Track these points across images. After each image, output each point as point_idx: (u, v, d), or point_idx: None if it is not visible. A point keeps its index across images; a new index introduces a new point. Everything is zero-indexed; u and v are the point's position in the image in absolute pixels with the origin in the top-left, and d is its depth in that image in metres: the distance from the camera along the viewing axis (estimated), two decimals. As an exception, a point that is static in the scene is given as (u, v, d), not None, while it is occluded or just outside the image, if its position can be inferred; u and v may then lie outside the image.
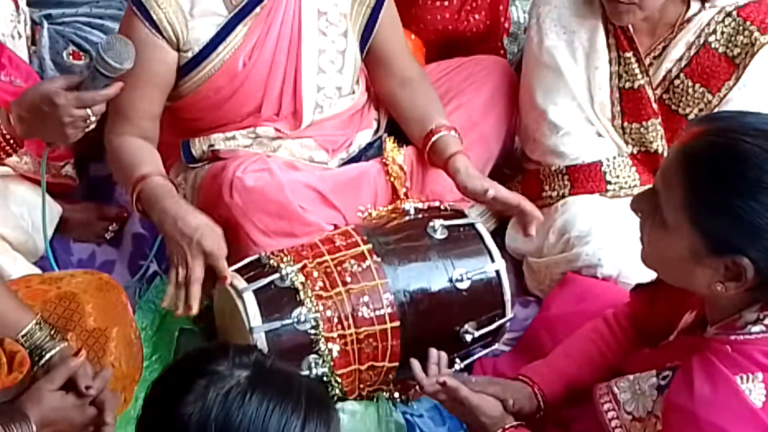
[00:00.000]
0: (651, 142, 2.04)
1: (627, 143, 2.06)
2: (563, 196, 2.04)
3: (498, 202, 1.92)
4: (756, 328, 1.23)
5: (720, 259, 1.19)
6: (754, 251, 1.16)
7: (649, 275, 1.48)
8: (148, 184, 1.85)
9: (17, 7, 2.19)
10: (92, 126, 1.67)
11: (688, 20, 1.97)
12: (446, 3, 2.45)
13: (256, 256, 1.79)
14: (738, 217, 1.16)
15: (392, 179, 2.01)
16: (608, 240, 1.92)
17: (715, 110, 1.96)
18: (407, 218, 1.88)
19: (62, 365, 1.45)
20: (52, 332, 1.49)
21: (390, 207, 1.96)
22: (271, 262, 1.75)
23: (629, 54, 2.00)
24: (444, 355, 1.64)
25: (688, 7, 1.96)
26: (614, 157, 2.05)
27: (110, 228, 2.18)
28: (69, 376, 1.44)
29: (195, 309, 1.75)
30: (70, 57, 2.29)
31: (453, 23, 2.47)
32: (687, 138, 1.23)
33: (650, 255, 1.34)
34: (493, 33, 2.50)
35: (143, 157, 1.91)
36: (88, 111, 1.63)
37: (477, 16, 2.48)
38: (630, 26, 1.97)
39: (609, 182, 2.03)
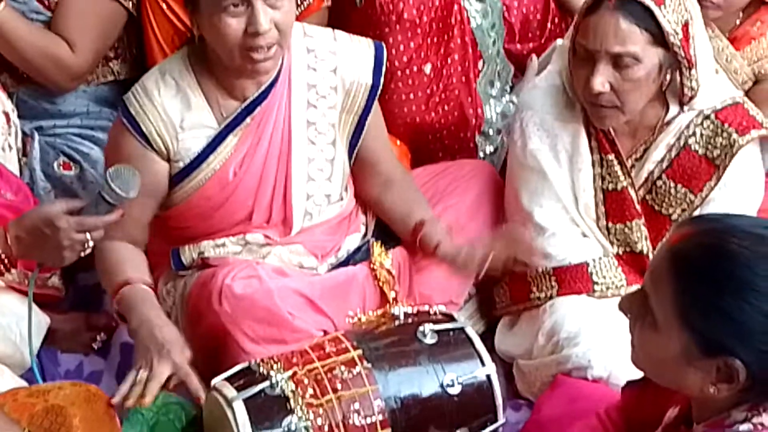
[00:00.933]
0: (635, 243, 2.05)
1: (612, 244, 2.07)
2: (551, 297, 2.04)
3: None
4: (744, 427, 1.21)
5: (712, 360, 1.19)
6: (746, 353, 1.16)
7: (638, 375, 1.47)
8: (131, 289, 1.88)
9: (8, 119, 2.25)
10: (89, 251, 1.70)
11: (668, 123, 2.01)
12: (412, 96, 2.49)
13: (245, 364, 1.77)
14: (729, 319, 1.16)
15: (381, 283, 2.03)
16: (597, 341, 1.91)
17: (698, 210, 1.99)
18: (397, 323, 1.87)
19: None
20: (39, 447, 1.48)
21: (379, 312, 1.95)
22: (261, 369, 1.73)
23: (611, 156, 2.03)
24: None
25: (667, 110, 2.00)
26: (600, 258, 2.06)
27: (98, 338, 2.17)
28: None
29: (148, 400, 1.72)
30: (61, 168, 2.33)
31: (421, 115, 2.50)
32: (676, 239, 1.24)
33: (641, 356, 1.32)
34: (464, 126, 2.54)
35: (128, 263, 1.94)
36: (87, 236, 1.66)
37: (446, 107, 2.52)
38: (611, 129, 2.01)
39: (596, 283, 2.03)
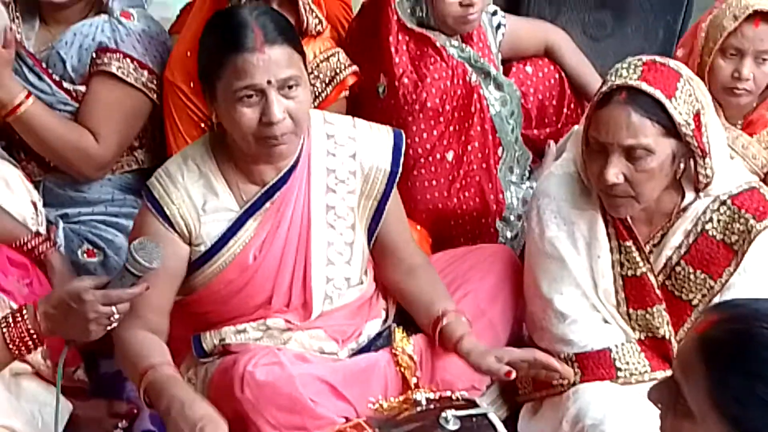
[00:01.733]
0: (657, 328, 2.04)
1: (634, 329, 2.06)
2: (574, 384, 2.02)
3: (515, 364, 1.93)
4: None
5: None
6: None
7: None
8: (156, 372, 1.85)
9: (36, 209, 2.27)
10: (114, 324, 1.71)
11: (684, 209, 2.01)
12: (434, 182, 2.52)
13: (268, 453, 1.78)
14: (766, 405, 1.14)
15: (402, 369, 2.02)
16: (622, 428, 1.88)
17: (718, 296, 1.98)
18: (419, 409, 1.88)
19: None
20: None
21: (401, 398, 1.95)
22: (284, 458, 1.74)
23: (629, 243, 2.02)
24: None
25: (683, 197, 2.00)
26: (623, 344, 2.04)
27: (120, 425, 2.15)
28: None
29: None
30: (85, 255, 2.35)
31: (443, 201, 2.53)
32: (703, 326, 1.22)
33: None
34: (485, 213, 2.55)
35: (151, 349, 1.92)
36: (113, 308, 1.68)
37: (467, 194, 2.54)
38: (628, 217, 2.01)
39: (619, 369, 2.02)
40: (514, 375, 1.93)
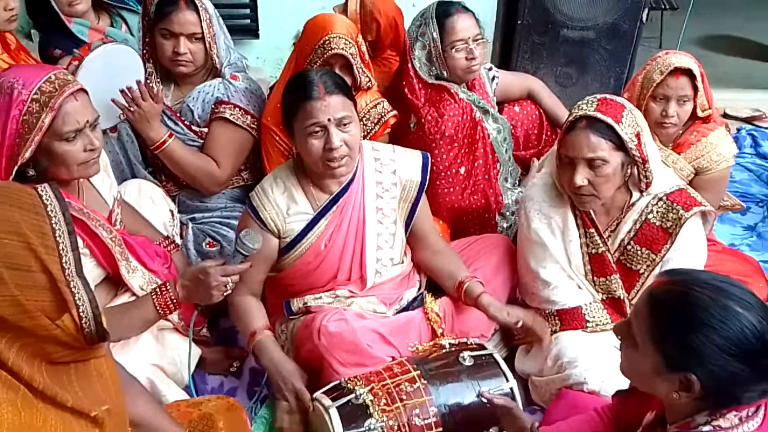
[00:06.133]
0: (615, 291, 2.01)
1: (598, 292, 2.04)
2: (555, 332, 2.01)
3: (522, 328, 1.95)
4: (706, 429, 1.19)
5: (675, 374, 1.17)
6: (700, 370, 1.14)
7: (621, 387, 1.45)
8: (258, 338, 1.93)
9: (173, 215, 2.30)
10: (229, 291, 1.74)
11: (632, 204, 1.99)
12: (451, 189, 2.49)
13: (337, 382, 1.78)
14: (688, 346, 1.14)
15: (431, 323, 2.01)
16: (591, 364, 1.87)
17: (658, 266, 1.95)
18: (444, 351, 1.87)
19: None
20: (197, 444, 1.49)
21: (431, 343, 1.94)
22: (348, 385, 1.74)
23: (592, 230, 2.01)
24: None
25: (631, 195, 1.99)
26: (590, 303, 2.02)
27: (234, 364, 2.17)
28: None
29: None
30: (207, 245, 2.36)
31: (458, 203, 2.50)
32: (655, 285, 1.22)
33: (626, 367, 1.30)
34: (488, 209, 2.53)
35: (255, 313, 1.98)
36: (228, 279, 1.71)
37: (475, 197, 2.51)
38: (591, 211, 2.00)
39: (588, 321, 1.99)
40: (520, 324, 1.95)
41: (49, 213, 1.02)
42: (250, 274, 1.91)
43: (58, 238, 1.02)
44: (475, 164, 2.50)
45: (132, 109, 2.21)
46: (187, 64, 2.29)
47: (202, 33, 2.26)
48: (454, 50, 2.44)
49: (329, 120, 1.81)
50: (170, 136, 2.29)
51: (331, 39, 2.25)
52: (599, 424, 1.54)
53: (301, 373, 1.87)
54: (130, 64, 2.22)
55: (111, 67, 2.16)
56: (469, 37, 2.44)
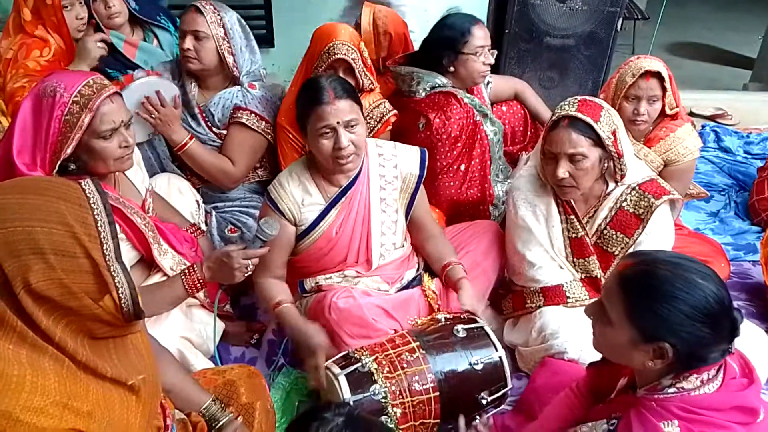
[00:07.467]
0: (592, 271, 2.02)
1: (577, 272, 2.04)
2: (539, 307, 2.02)
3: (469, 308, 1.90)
4: (671, 390, 1.21)
5: (650, 345, 1.18)
6: (672, 338, 1.15)
7: (598, 356, 1.46)
8: (282, 308, 1.92)
9: (198, 205, 2.30)
10: (250, 272, 1.75)
11: (608, 194, 1.98)
12: (452, 183, 2.49)
13: (345, 352, 1.78)
14: (660, 317, 1.15)
15: (429, 299, 2.02)
16: (571, 336, 1.89)
17: (631, 248, 1.95)
18: (440, 324, 1.86)
19: (229, 426, 1.47)
20: (222, 406, 1.51)
21: (429, 318, 1.94)
22: (355, 355, 1.74)
23: (572, 216, 2.01)
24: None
25: (607, 186, 1.98)
26: (570, 281, 2.02)
27: (254, 337, 2.18)
28: None
29: (324, 384, 1.76)
30: (229, 232, 2.35)
31: (457, 195, 2.50)
32: (623, 267, 1.23)
33: (600, 344, 1.31)
34: (482, 201, 2.53)
35: (278, 290, 1.98)
36: (249, 262, 1.71)
37: (472, 190, 2.51)
38: (572, 200, 2.00)
39: (568, 297, 2.00)
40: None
41: (92, 205, 1.03)
42: (272, 259, 1.92)
43: (99, 228, 1.02)
44: (472, 162, 2.49)
45: (153, 116, 2.21)
46: (193, 60, 2.27)
47: (211, 35, 2.24)
48: (476, 54, 2.43)
49: (338, 122, 1.81)
50: (191, 138, 2.29)
51: (335, 45, 2.25)
52: (574, 399, 1.56)
53: (323, 332, 1.84)
54: (165, 91, 2.23)
55: (149, 94, 2.20)
56: (487, 45, 2.44)
